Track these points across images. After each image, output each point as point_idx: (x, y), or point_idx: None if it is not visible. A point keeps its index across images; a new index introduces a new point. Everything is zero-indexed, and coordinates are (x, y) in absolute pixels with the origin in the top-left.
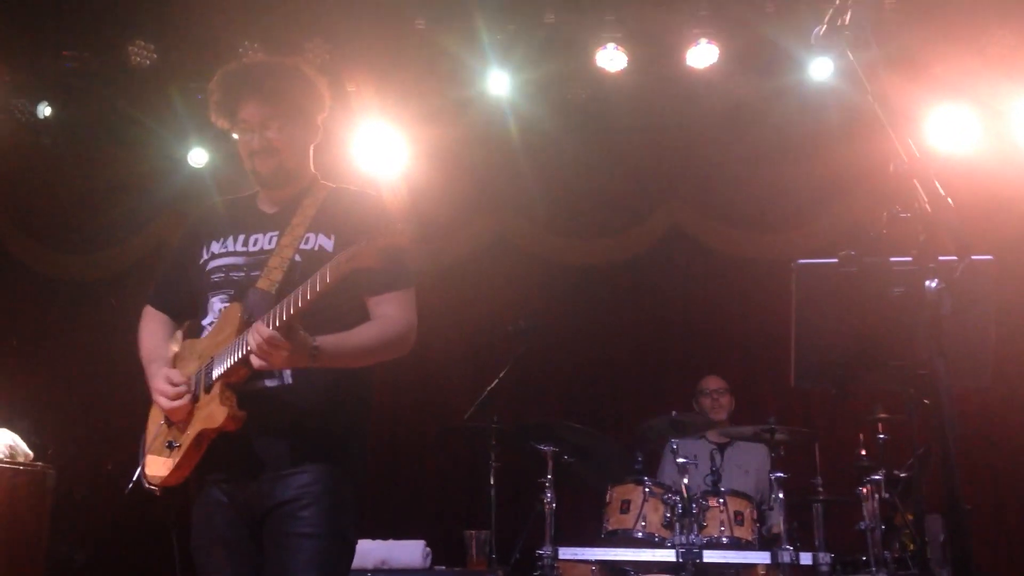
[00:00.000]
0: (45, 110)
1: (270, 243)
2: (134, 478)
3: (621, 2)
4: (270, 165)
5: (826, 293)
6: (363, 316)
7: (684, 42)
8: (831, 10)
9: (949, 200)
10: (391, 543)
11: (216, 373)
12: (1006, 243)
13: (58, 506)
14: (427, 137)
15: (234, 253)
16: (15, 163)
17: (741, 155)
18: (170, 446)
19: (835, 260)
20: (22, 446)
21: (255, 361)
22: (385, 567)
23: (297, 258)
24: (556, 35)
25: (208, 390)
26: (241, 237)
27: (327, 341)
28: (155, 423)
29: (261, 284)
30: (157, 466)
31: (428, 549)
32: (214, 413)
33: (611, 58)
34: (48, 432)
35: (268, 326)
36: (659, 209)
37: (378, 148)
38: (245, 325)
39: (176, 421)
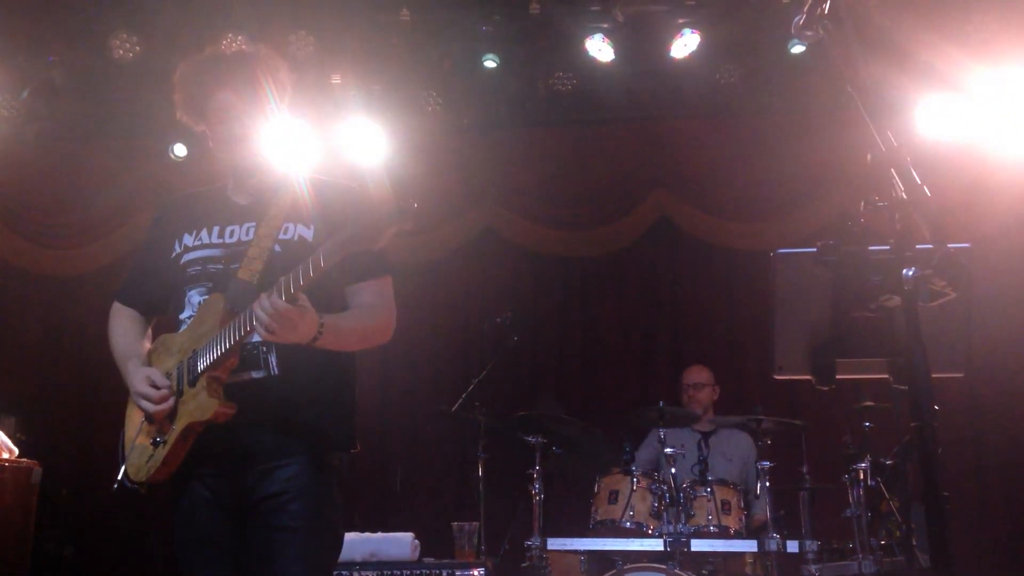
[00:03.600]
0: (28, 104)
1: (247, 234)
2: (118, 478)
3: None
4: (249, 154)
5: (806, 283)
6: (341, 304)
7: (669, 31)
8: (810, 1)
9: (925, 189)
10: (379, 536)
11: (202, 365)
12: (992, 231)
13: (45, 502)
14: (413, 129)
15: (210, 245)
16: None
17: (728, 145)
18: (155, 443)
19: (814, 250)
20: (7, 443)
21: (261, 332)
22: (374, 560)
23: (277, 248)
24: (542, 26)
25: (193, 383)
26: (216, 229)
27: (329, 319)
28: (134, 420)
29: (242, 275)
30: (142, 463)
31: (416, 541)
32: (203, 405)
33: (599, 48)
34: (34, 429)
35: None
36: (647, 199)
37: (363, 140)
38: (229, 316)
39: (159, 418)
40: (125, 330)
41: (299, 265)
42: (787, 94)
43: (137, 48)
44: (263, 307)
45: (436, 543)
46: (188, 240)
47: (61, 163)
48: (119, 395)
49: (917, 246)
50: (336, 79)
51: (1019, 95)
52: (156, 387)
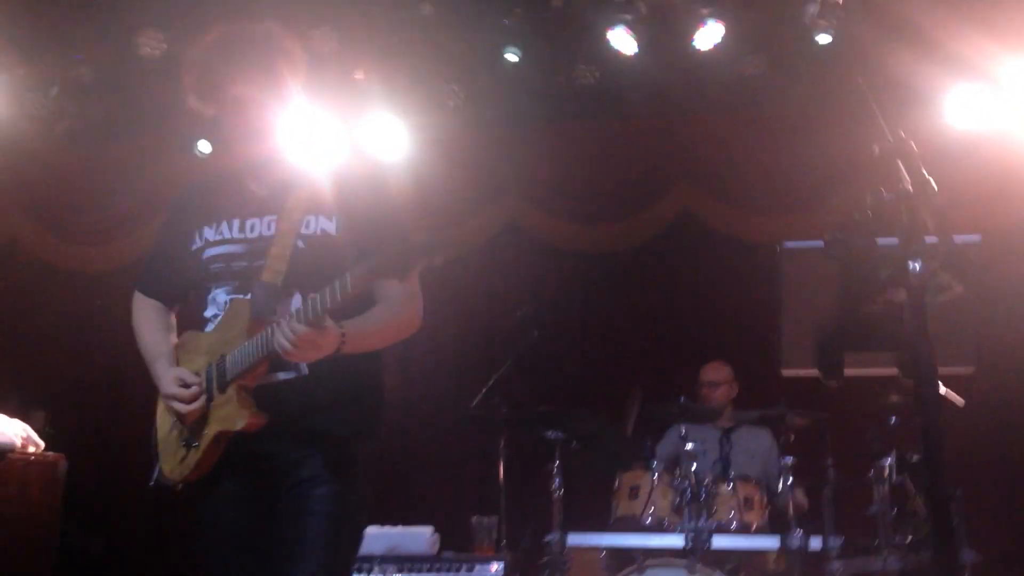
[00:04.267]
0: (57, 102)
1: (268, 228)
2: (155, 476)
3: None
4: (264, 147)
5: (814, 277)
6: (365, 294)
7: (693, 22)
8: None
9: (932, 181)
10: (399, 529)
11: (231, 373)
12: (1005, 218)
13: (72, 496)
14: (435, 123)
15: (231, 241)
16: (27, 155)
17: (752, 137)
18: (187, 444)
19: (821, 243)
20: (34, 437)
21: (283, 355)
22: (393, 554)
23: (300, 244)
24: (564, 18)
25: (223, 390)
26: (236, 222)
27: (352, 325)
28: (165, 418)
29: (266, 276)
30: (175, 463)
31: (436, 535)
32: (233, 416)
33: (622, 40)
34: (63, 423)
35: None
36: (670, 193)
37: (386, 135)
38: (256, 323)
39: (190, 420)
40: (151, 324)
41: (325, 288)
42: (812, 85)
43: (164, 45)
44: (285, 335)
45: (455, 537)
46: (209, 234)
47: (89, 160)
48: (147, 389)
49: (924, 239)
50: (359, 75)
51: None
52: (186, 385)
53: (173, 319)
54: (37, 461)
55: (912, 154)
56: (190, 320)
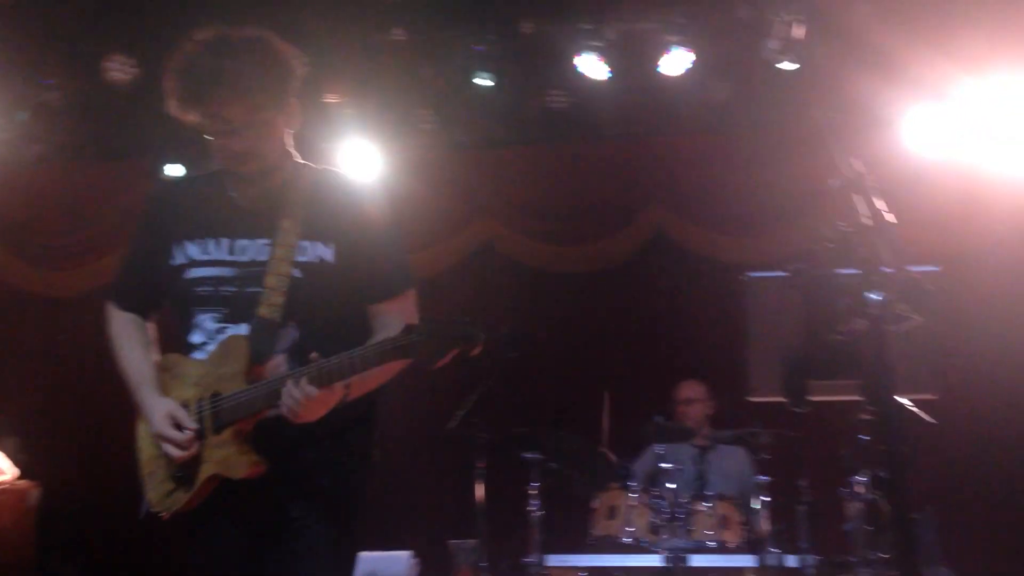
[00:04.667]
0: (26, 126)
1: (261, 253)
2: (144, 510)
3: (597, 11)
4: (252, 168)
5: (778, 306)
6: (360, 319)
7: (660, 49)
8: (779, 25)
9: (889, 214)
10: (378, 554)
11: (229, 416)
12: (985, 245)
13: (48, 522)
14: (408, 147)
15: (220, 263)
16: None
17: (722, 160)
18: (177, 480)
19: (785, 273)
20: (6, 463)
21: (286, 414)
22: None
23: (296, 273)
24: (534, 44)
25: (218, 431)
26: (225, 242)
27: (356, 376)
28: (149, 444)
29: (263, 311)
30: (162, 495)
31: (415, 560)
32: (232, 462)
33: (591, 66)
34: (36, 449)
35: (304, 383)
36: (642, 214)
37: (359, 159)
38: (255, 365)
39: (180, 460)
40: (131, 341)
41: (339, 357)
42: (778, 110)
43: (133, 70)
44: (295, 398)
45: (435, 561)
46: (193, 251)
47: (59, 184)
48: (122, 413)
49: (882, 270)
50: (331, 99)
51: (1006, 108)
52: (180, 427)
53: (152, 330)
54: (8, 490)
55: (869, 187)
56: (170, 339)
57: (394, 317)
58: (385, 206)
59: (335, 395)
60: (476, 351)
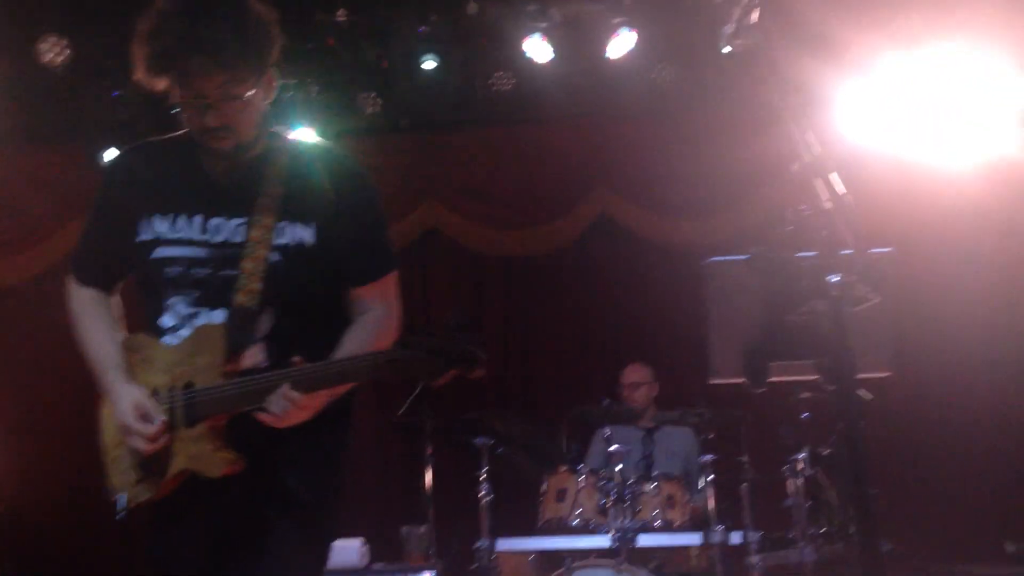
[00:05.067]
0: None
1: (237, 234)
2: (124, 506)
3: None
4: (229, 143)
5: (738, 290)
6: (341, 304)
7: (606, 31)
8: (738, 10)
9: (847, 197)
10: None
11: (206, 412)
12: (917, 229)
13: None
14: (351, 130)
15: (192, 243)
16: None
17: (667, 143)
18: (144, 470)
19: (745, 257)
20: None
21: (271, 420)
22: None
23: (275, 257)
24: (480, 26)
25: (191, 424)
26: (197, 220)
27: None
28: (112, 430)
29: (240, 299)
30: (127, 484)
31: (366, 546)
32: (205, 460)
33: (537, 48)
34: None
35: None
36: (588, 197)
37: (312, 141)
38: (232, 356)
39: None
40: (96, 322)
41: (327, 364)
42: (723, 92)
43: (67, 51)
44: (281, 405)
45: (386, 548)
46: (161, 227)
47: None
48: (68, 402)
49: (841, 252)
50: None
51: (940, 84)
52: (149, 419)
53: (117, 306)
54: None
55: (829, 169)
56: (135, 317)
57: (373, 303)
58: (367, 183)
59: (320, 400)
60: (478, 373)
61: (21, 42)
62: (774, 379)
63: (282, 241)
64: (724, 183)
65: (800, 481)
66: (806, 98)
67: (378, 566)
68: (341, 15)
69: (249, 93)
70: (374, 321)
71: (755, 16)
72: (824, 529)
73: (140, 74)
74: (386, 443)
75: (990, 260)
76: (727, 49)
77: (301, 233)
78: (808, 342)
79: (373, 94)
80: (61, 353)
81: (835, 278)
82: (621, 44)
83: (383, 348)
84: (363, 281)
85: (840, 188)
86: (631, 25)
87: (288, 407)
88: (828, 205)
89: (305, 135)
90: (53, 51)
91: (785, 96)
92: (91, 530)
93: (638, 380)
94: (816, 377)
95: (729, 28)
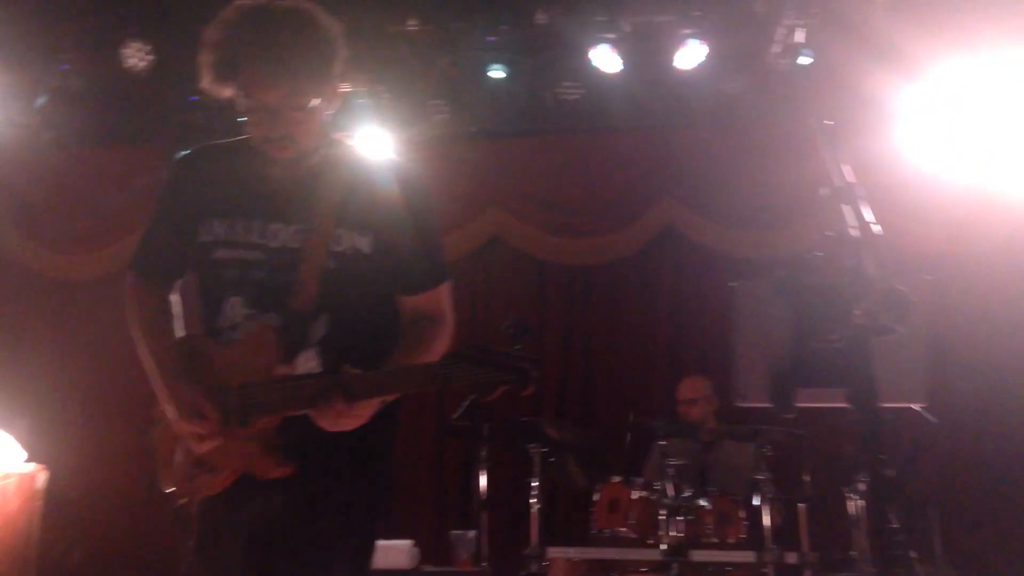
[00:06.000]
0: (43, 111)
1: (294, 240)
2: (181, 493)
3: (612, 2)
4: (287, 154)
5: (766, 313)
6: (393, 312)
7: (674, 42)
8: (782, 30)
9: (875, 226)
10: (379, 543)
11: (256, 412)
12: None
13: (53, 506)
14: (420, 138)
15: (249, 246)
16: (12, 163)
17: (733, 154)
18: (198, 467)
19: (772, 280)
20: (16, 447)
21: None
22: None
23: (331, 264)
24: (548, 35)
25: (244, 423)
26: (256, 225)
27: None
28: (169, 429)
29: (295, 302)
30: (184, 480)
31: (416, 549)
32: (257, 461)
33: (605, 58)
34: (45, 432)
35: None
36: (652, 208)
37: (372, 150)
38: (286, 359)
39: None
40: (154, 320)
41: (379, 375)
42: (791, 104)
43: (149, 56)
44: (334, 411)
45: (435, 551)
46: (220, 230)
47: (75, 170)
48: (132, 397)
49: (868, 281)
50: (345, 87)
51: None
52: (203, 417)
53: (176, 304)
54: (15, 474)
55: (859, 196)
56: (192, 314)
57: (430, 311)
58: (424, 193)
59: (371, 408)
60: (528, 391)
61: (106, 47)
62: (800, 404)
63: (339, 248)
64: (789, 197)
65: (861, 501)
66: (860, 113)
67: (427, 568)
68: (412, 24)
69: (312, 104)
70: (427, 332)
71: (800, 36)
72: (884, 552)
73: (206, 82)
74: (441, 446)
75: None
76: (801, 58)
77: (357, 240)
78: (836, 369)
79: (442, 102)
80: (127, 351)
81: (860, 308)
82: (689, 55)
83: (435, 359)
84: (417, 291)
85: (869, 215)
86: (700, 36)
87: (339, 413)
88: (856, 233)
89: (375, 141)
90: (136, 56)
91: (820, 118)
92: (145, 524)
93: (694, 396)
94: (844, 404)
95: (777, 49)
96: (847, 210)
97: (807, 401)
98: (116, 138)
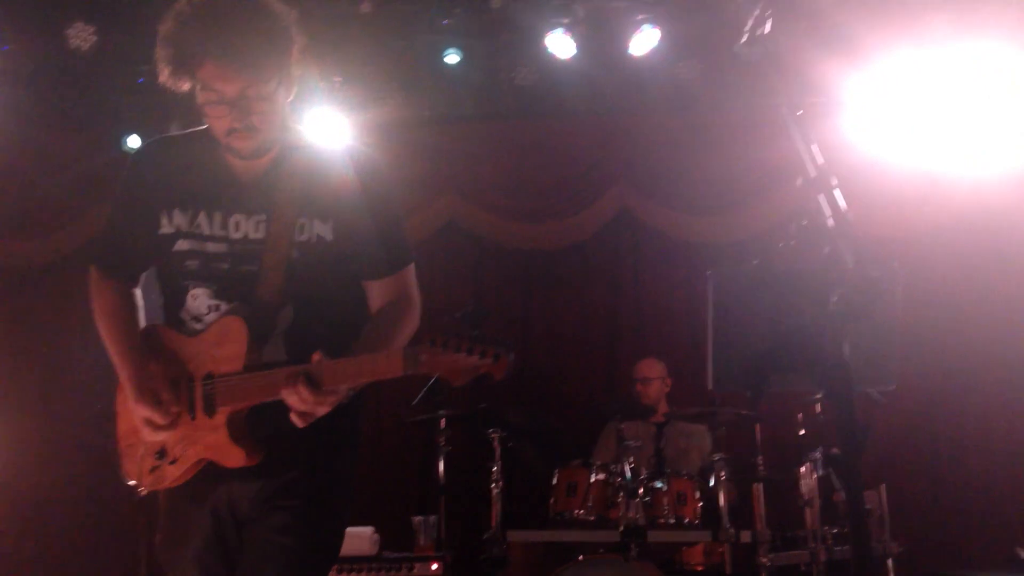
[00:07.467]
0: None
1: (257, 230)
2: (143, 485)
3: None
4: (251, 145)
5: (740, 300)
6: (359, 298)
7: (630, 27)
8: (750, 22)
9: (849, 213)
10: None
11: (223, 402)
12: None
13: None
14: (374, 120)
15: (212, 238)
16: None
17: (688, 139)
18: (162, 455)
19: (747, 268)
20: None
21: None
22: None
23: (295, 254)
24: (503, 20)
25: (209, 413)
26: (218, 216)
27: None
28: (131, 418)
29: (261, 292)
30: (143, 471)
31: (376, 535)
32: (224, 450)
33: (559, 43)
34: None
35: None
36: (608, 192)
37: (324, 133)
38: (253, 349)
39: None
40: (120, 313)
41: (350, 358)
42: (746, 89)
43: (93, 37)
44: (303, 401)
45: (396, 537)
46: (181, 220)
47: (16, 154)
48: (86, 386)
49: (842, 269)
50: (299, 72)
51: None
52: (164, 407)
53: (138, 297)
54: None
55: (832, 185)
56: (154, 306)
57: (392, 295)
58: (382, 178)
59: (339, 396)
60: (501, 375)
61: (49, 28)
62: (774, 390)
63: (302, 238)
64: (744, 181)
65: (812, 480)
66: (815, 99)
67: (388, 554)
68: (365, 7)
69: (270, 94)
70: (394, 315)
71: (768, 27)
72: (836, 529)
73: (163, 77)
74: (400, 433)
75: (1018, 270)
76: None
77: (320, 228)
78: (809, 355)
79: (396, 85)
80: (81, 338)
81: (834, 295)
82: (644, 41)
83: (403, 342)
84: (381, 275)
85: (842, 204)
86: (654, 22)
87: (306, 402)
88: (830, 221)
89: (329, 126)
90: (80, 37)
91: (791, 103)
92: (107, 516)
93: (650, 375)
94: (816, 390)
95: (743, 39)
96: (821, 198)
97: (780, 387)
98: (62, 122)
